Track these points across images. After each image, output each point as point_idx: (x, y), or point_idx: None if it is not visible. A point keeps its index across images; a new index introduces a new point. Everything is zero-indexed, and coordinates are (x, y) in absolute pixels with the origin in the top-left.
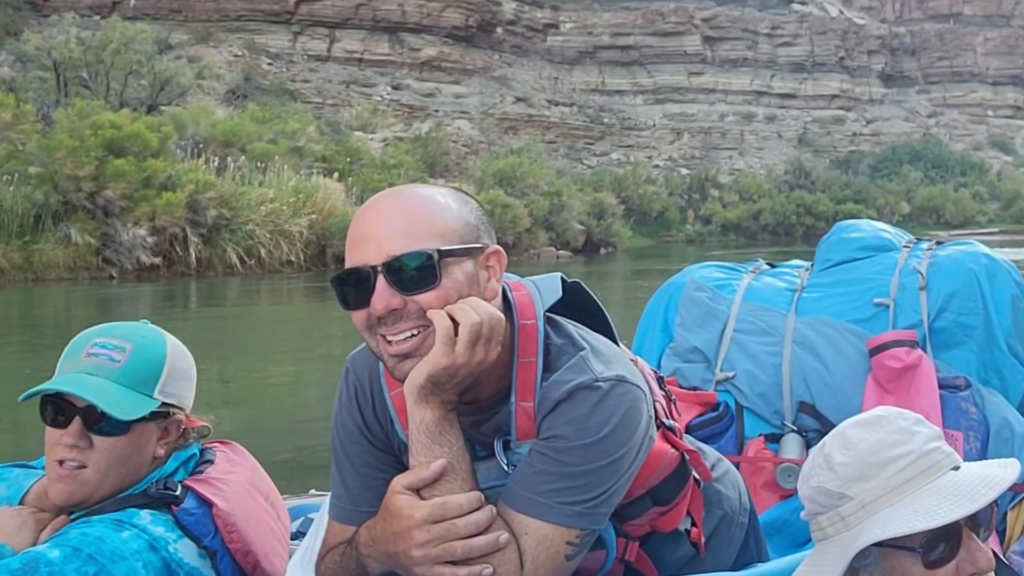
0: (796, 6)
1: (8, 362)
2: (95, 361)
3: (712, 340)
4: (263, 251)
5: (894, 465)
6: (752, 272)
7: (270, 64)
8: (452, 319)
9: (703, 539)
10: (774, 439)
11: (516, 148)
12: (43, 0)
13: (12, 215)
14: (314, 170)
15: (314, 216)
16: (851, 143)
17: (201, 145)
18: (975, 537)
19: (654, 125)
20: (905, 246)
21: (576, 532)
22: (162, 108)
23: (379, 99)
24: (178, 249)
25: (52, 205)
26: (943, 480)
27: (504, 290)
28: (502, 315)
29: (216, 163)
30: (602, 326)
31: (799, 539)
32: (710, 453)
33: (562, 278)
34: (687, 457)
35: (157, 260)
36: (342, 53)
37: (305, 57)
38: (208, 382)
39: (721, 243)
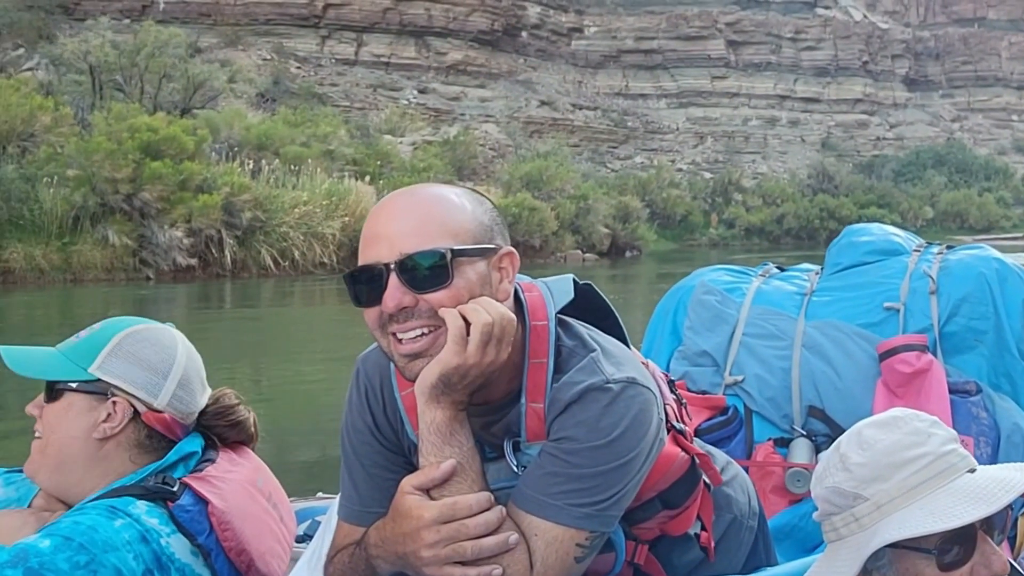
0: (820, 10)
1: None
2: (67, 339)
3: (721, 344)
4: (297, 253)
5: (911, 466)
6: (761, 276)
7: (298, 68)
8: (464, 319)
9: (712, 543)
10: (783, 443)
11: (543, 152)
12: (75, 4)
13: (52, 217)
14: (345, 173)
15: (347, 218)
16: (874, 147)
17: (236, 148)
18: (990, 540)
19: (677, 129)
20: (915, 250)
21: (586, 534)
22: (195, 111)
23: (406, 103)
24: (213, 251)
25: (90, 207)
26: (959, 482)
27: (516, 291)
28: (513, 316)
29: (251, 166)
30: (613, 329)
31: (809, 544)
32: (719, 457)
33: (574, 280)
34: (697, 461)
35: (193, 261)
36: (369, 57)
37: (333, 61)
38: (239, 381)
39: (744, 247)
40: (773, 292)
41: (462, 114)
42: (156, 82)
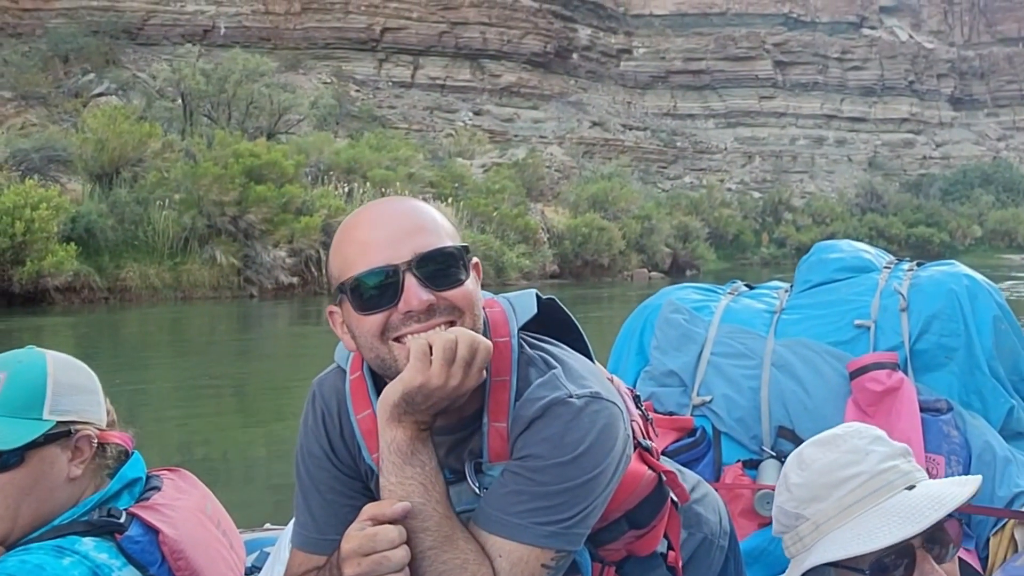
0: (866, 30)
1: (159, 372)
2: None
3: (689, 363)
4: None
5: (847, 485)
6: (730, 294)
7: (357, 91)
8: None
9: (680, 563)
10: (752, 465)
11: (607, 173)
12: (138, 29)
13: (164, 238)
14: (429, 195)
15: None
16: (921, 166)
17: (332, 173)
18: (930, 559)
19: (726, 149)
20: (886, 267)
21: (552, 553)
22: (279, 136)
23: (461, 124)
24: (312, 269)
25: (199, 228)
26: (893, 501)
27: None
28: (488, 342)
29: (346, 189)
30: (577, 343)
31: (778, 568)
32: (689, 475)
33: (537, 295)
34: (664, 478)
35: (294, 280)
36: (425, 79)
37: (390, 84)
38: None
39: (795, 266)
40: (742, 310)
41: (515, 135)
42: (243, 108)
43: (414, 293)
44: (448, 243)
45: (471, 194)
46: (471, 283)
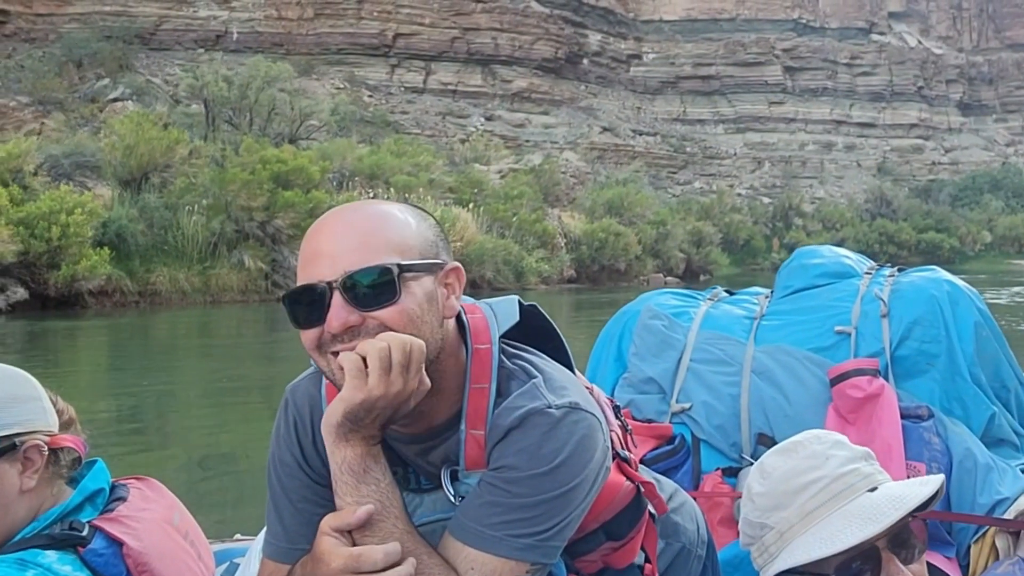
0: (875, 36)
1: (186, 374)
2: None
3: (668, 370)
4: None
5: (807, 491)
6: (710, 300)
7: (370, 96)
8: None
9: (657, 574)
10: (732, 473)
11: (622, 179)
12: (150, 34)
13: (193, 243)
14: (451, 202)
15: (458, 243)
16: (930, 172)
17: (356, 178)
18: (896, 560)
19: (735, 154)
20: (867, 272)
21: (526, 567)
22: (300, 142)
23: (473, 129)
24: None
25: (227, 233)
26: (855, 503)
27: (459, 313)
28: (421, 342)
29: (371, 194)
30: (558, 351)
31: None
32: (667, 484)
33: (519, 301)
34: (642, 489)
35: None
36: (437, 85)
37: (402, 89)
38: None
39: None
40: (722, 316)
41: (527, 140)
42: (265, 114)
43: (335, 314)
44: (384, 260)
45: (490, 200)
46: (409, 300)
